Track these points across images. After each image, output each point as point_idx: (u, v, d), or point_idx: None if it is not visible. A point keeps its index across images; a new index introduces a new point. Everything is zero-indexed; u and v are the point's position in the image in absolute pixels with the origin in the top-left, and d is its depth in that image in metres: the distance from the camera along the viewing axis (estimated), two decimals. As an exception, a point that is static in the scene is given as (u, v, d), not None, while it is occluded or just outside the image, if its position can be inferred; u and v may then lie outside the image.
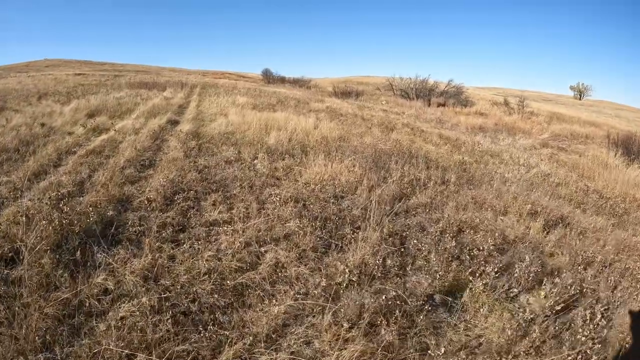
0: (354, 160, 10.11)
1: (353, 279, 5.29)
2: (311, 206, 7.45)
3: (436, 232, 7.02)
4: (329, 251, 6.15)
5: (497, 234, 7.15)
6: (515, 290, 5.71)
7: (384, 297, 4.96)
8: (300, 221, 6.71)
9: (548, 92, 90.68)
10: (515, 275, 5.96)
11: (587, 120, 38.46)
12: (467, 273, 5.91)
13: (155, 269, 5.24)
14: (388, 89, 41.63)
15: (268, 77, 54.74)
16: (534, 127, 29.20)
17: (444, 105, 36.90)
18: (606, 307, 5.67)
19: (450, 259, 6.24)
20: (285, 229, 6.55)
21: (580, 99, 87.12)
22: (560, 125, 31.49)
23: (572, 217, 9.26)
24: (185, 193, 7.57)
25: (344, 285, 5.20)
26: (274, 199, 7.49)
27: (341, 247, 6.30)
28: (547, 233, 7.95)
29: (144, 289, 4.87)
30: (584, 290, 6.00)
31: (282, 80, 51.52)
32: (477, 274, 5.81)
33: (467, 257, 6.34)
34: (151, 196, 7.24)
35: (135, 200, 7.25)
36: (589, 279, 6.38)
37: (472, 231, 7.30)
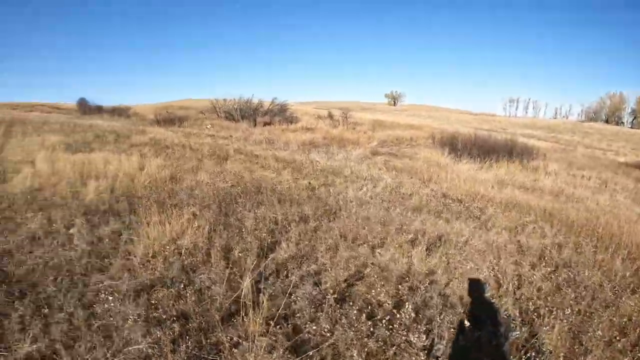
0: (195, 209, 8.31)
1: None
2: (160, 299, 5.41)
3: (328, 301, 5.50)
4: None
5: (393, 280, 6.26)
6: (441, 347, 4.91)
7: None
8: (150, 335, 4.66)
9: (365, 101, 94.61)
10: (435, 330, 5.13)
11: (407, 124, 39.83)
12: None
13: None
14: (212, 112, 39.79)
15: (84, 107, 50.32)
16: (360, 137, 29.16)
17: (270, 124, 35.81)
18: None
19: (365, 337, 4.87)
20: (134, 354, 4.44)
21: (395, 105, 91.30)
22: (384, 132, 31.89)
23: (445, 232, 8.63)
24: (-24, 313, 5.17)
25: None
26: (105, 297, 5.33)
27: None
28: (429, 256, 7.24)
29: None
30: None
31: (99, 110, 47.45)
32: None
33: (385, 331, 5.01)
34: None
35: None
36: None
37: (362, 284, 6.16)
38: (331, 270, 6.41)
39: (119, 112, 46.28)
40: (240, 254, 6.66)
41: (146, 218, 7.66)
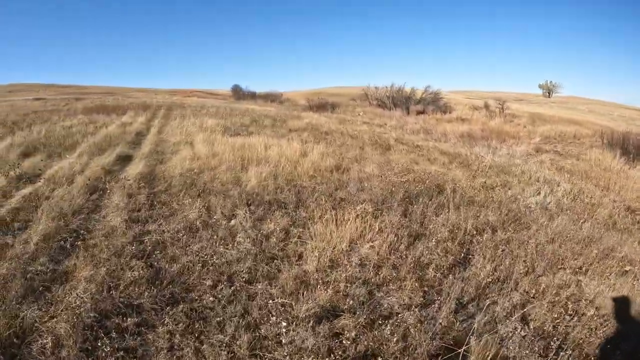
0: (371, 207, 7.00)
1: None
2: (345, 329, 4.10)
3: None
4: None
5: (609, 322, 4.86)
6: None
7: None
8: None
9: (517, 92, 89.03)
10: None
11: (568, 119, 36.59)
12: None
13: None
14: (363, 99, 38.96)
15: (238, 93, 52.09)
16: (520, 131, 27.11)
17: (423, 112, 34.28)
18: None
19: None
20: None
21: (549, 97, 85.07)
22: (544, 127, 29.34)
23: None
24: (121, 318, 4.15)
25: None
26: (277, 320, 4.15)
27: None
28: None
29: None
30: None
31: (253, 96, 48.86)
32: None
33: None
34: (61, 332, 3.87)
35: (34, 344, 3.79)
36: None
37: (580, 327, 4.67)
38: (538, 301, 5.03)
39: (271, 98, 47.12)
40: (434, 273, 5.31)
41: (316, 212, 6.56)
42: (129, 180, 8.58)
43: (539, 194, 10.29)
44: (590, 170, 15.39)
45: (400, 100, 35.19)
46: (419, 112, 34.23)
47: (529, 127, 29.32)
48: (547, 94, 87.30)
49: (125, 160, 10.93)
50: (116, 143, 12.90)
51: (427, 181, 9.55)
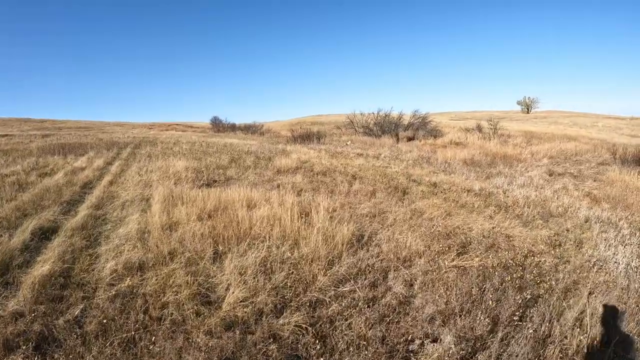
0: (454, 343, 3.84)
1: None
2: None
3: None
4: None
5: None
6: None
7: None
8: None
9: (498, 110, 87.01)
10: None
11: (561, 135, 34.60)
12: None
13: None
14: (349, 126, 35.69)
15: (217, 125, 49.02)
16: (522, 152, 24.40)
17: (413, 138, 31.06)
18: None
19: None
20: None
21: (528, 112, 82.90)
22: (543, 146, 26.84)
23: None
24: None
25: None
26: None
27: None
28: None
29: None
30: None
31: (233, 128, 46.32)
32: None
33: None
34: None
35: None
36: None
37: None
38: None
39: (252, 129, 44.85)
40: None
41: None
42: (19, 303, 4.70)
43: (609, 245, 7.86)
44: (624, 195, 12.64)
45: (388, 127, 32.03)
46: (409, 139, 31.15)
47: (530, 148, 26.51)
48: (527, 109, 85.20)
49: (42, 238, 7.02)
50: (48, 204, 9.06)
51: (517, 267, 6.00)
